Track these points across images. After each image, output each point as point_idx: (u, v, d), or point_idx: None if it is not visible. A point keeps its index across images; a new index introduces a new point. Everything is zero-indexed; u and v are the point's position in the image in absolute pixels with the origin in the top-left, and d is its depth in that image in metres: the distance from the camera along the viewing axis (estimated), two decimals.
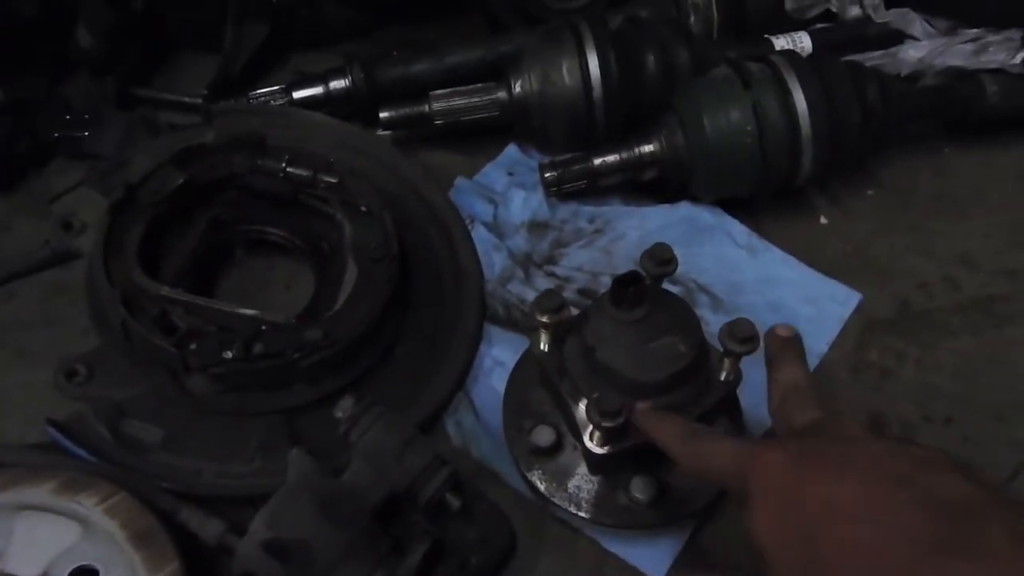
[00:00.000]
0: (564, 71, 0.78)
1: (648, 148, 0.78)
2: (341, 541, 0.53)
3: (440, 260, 0.77)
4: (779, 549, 0.44)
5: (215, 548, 0.57)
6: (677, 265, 0.60)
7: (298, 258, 0.76)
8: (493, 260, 0.77)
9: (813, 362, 0.73)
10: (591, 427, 0.56)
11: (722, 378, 0.59)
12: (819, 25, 0.91)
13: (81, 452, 0.60)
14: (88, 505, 0.55)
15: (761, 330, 0.57)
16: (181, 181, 0.72)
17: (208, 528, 0.57)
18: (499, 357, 0.72)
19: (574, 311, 0.62)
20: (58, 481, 0.56)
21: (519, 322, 0.74)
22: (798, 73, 0.75)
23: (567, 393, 0.59)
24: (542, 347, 0.60)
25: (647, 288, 0.57)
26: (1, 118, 0.80)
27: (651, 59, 0.80)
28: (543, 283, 0.76)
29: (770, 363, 0.56)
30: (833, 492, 0.43)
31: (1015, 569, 0.38)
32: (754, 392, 0.67)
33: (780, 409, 0.53)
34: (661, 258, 0.59)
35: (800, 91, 0.74)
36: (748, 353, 0.57)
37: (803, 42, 0.87)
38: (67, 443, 0.60)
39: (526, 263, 0.78)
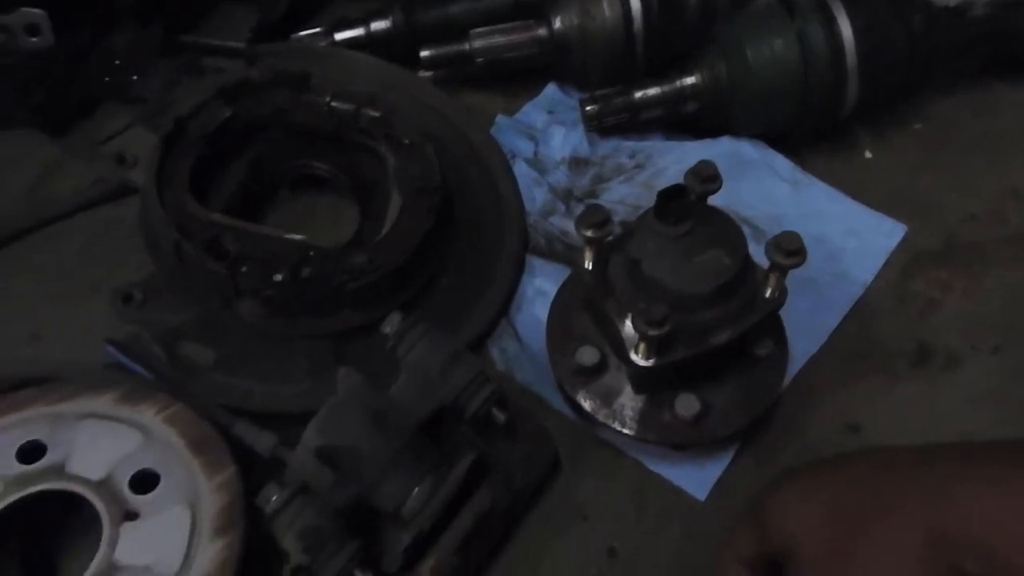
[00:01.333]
0: (604, 5, 0.78)
1: (689, 80, 0.78)
2: (390, 449, 0.54)
3: (482, 194, 0.77)
4: None
5: (268, 460, 0.59)
6: (721, 183, 0.60)
7: (342, 193, 0.77)
8: (534, 195, 0.78)
9: (857, 292, 0.73)
10: (637, 341, 0.57)
11: (767, 295, 0.59)
12: None
13: (139, 369, 0.62)
14: (147, 415, 0.57)
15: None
16: (228, 115, 0.73)
17: (262, 440, 0.59)
18: (542, 287, 0.72)
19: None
20: (119, 392, 0.58)
21: (561, 254, 0.74)
22: (843, 1, 0.74)
23: (612, 310, 0.59)
24: (587, 265, 0.61)
25: (691, 202, 0.57)
26: (52, 65, 0.81)
27: None
28: None
29: None
30: None
31: None
32: (798, 319, 0.68)
33: None
34: (705, 175, 0.59)
35: (846, 18, 0.73)
36: (795, 267, 0.57)
37: None
38: (126, 360, 0.62)
39: (567, 198, 0.78)
